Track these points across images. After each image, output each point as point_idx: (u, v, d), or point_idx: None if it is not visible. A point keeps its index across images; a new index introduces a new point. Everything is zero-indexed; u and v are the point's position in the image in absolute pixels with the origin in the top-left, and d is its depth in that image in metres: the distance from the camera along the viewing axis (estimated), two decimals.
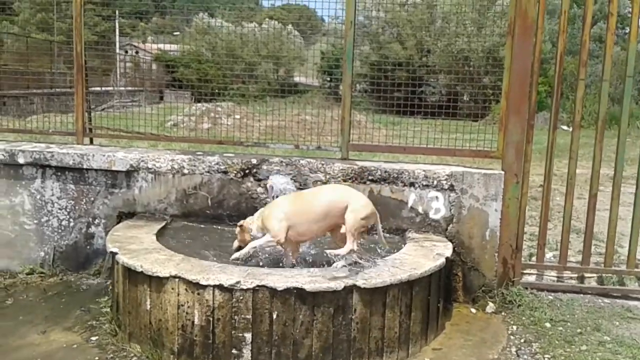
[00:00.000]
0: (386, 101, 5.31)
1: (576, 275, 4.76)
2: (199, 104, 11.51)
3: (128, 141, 6.90)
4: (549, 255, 5.10)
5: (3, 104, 12.30)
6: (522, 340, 3.86)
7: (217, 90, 6.56)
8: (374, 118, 6.06)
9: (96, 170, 4.67)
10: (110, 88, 11.81)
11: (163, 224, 4.48)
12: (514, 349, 3.74)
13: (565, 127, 13.98)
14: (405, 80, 5.73)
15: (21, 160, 4.71)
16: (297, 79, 9.51)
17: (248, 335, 3.30)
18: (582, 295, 4.59)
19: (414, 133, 4.85)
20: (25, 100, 13.77)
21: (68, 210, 4.75)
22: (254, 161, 4.62)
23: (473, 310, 4.32)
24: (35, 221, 4.80)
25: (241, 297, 3.27)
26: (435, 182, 4.42)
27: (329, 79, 9.19)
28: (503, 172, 4.39)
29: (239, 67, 7.66)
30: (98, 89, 9.58)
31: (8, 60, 16.17)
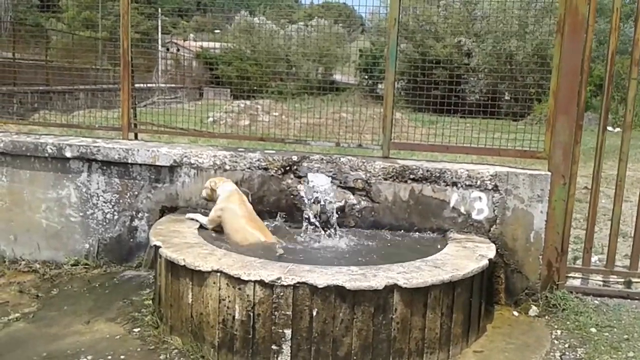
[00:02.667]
0: (426, 99, 5.25)
1: (623, 280, 4.62)
2: (238, 101, 11.61)
3: (170, 137, 6.98)
4: (594, 259, 4.96)
5: (50, 99, 12.63)
6: (567, 345, 3.76)
7: (256, 88, 6.61)
8: (414, 116, 6.00)
9: (140, 165, 4.75)
10: (152, 85, 12.02)
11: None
12: (557, 354, 3.65)
13: (610, 128, 13.62)
14: (445, 79, 5.67)
15: (68, 154, 4.82)
16: (335, 77, 9.51)
17: (288, 332, 3.30)
18: (629, 300, 4.45)
19: (456, 132, 4.78)
20: (71, 95, 14.12)
21: (113, 203, 4.85)
22: (295, 158, 4.63)
23: (515, 313, 4.24)
24: (81, 214, 4.91)
25: (281, 294, 3.27)
26: (478, 182, 4.35)
27: (366, 77, 9.15)
28: (550, 173, 4.28)
29: (279, 65, 7.70)
30: (141, 85, 9.76)
31: (55, 57, 16.62)
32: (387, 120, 4.66)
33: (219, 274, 3.39)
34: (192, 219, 4.40)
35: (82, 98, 14.45)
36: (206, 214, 4.50)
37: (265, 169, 4.64)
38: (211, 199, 4.41)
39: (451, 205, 4.42)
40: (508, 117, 5.43)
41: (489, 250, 4.01)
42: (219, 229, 4.31)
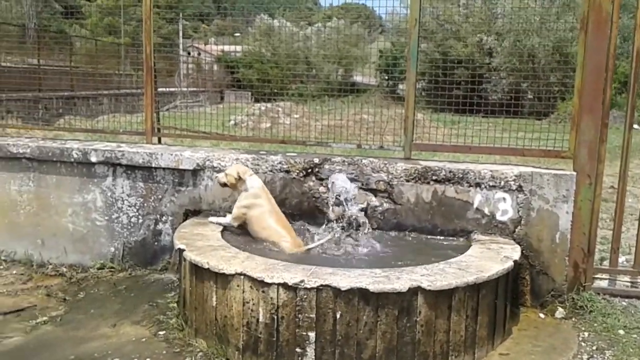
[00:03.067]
0: (447, 99, 5.22)
1: None
2: (259, 104, 11.67)
3: (192, 140, 7.06)
4: (621, 259, 4.87)
5: (74, 104, 12.83)
6: (594, 348, 3.70)
7: (276, 90, 6.63)
8: (435, 117, 5.97)
9: (164, 168, 4.80)
10: (174, 89, 12.13)
11: None
12: (585, 356, 3.60)
13: (636, 126, 13.39)
14: (466, 78, 5.63)
15: (94, 159, 4.89)
16: (355, 78, 9.50)
17: (312, 334, 3.31)
18: None
19: (478, 132, 4.74)
20: (95, 100, 14.32)
21: (137, 207, 4.90)
22: (316, 160, 4.63)
23: (542, 315, 4.18)
24: (106, 218, 4.97)
25: (305, 296, 3.28)
26: (502, 183, 4.31)
27: (387, 77, 9.12)
28: (575, 173, 4.22)
29: (300, 67, 7.72)
30: (163, 89, 9.86)
31: (79, 63, 16.87)
32: (408, 121, 4.64)
33: (242, 276, 3.41)
34: (214, 223, 4.41)
35: (105, 103, 14.64)
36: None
37: (287, 171, 4.66)
38: (232, 187, 4.38)
39: (475, 206, 4.38)
40: (531, 117, 5.37)
41: (514, 252, 3.96)
42: (242, 225, 4.32)
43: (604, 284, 4.50)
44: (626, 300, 4.36)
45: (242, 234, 4.44)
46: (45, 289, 4.57)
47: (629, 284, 4.53)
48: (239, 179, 4.33)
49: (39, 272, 4.93)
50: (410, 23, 4.58)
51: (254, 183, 4.33)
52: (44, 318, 4.06)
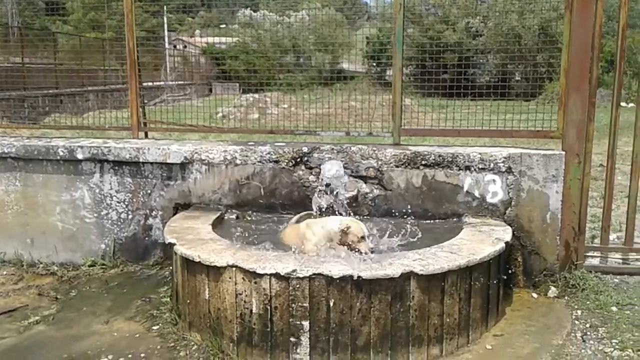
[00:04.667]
0: (435, 84, 5.20)
1: None
2: (247, 95, 11.60)
3: (180, 134, 7.00)
4: (612, 237, 4.90)
5: (60, 101, 12.72)
6: (588, 325, 3.72)
7: (264, 80, 6.59)
8: (423, 102, 5.95)
9: (152, 163, 4.76)
10: (161, 83, 12.05)
11: (218, 214, 4.52)
12: (579, 334, 3.62)
13: (623, 104, 13.38)
14: (454, 62, 5.61)
15: (80, 156, 4.84)
16: (344, 66, 9.45)
17: (306, 323, 3.30)
18: None
19: (466, 115, 4.73)
20: (81, 97, 14.21)
21: (126, 203, 4.87)
22: (305, 149, 4.61)
23: (534, 295, 4.20)
24: (95, 214, 4.94)
25: (298, 286, 3.27)
26: (492, 165, 4.30)
27: (374, 64, 9.08)
28: (564, 153, 4.22)
29: (285, 57, 7.67)
30: (149, 83, 9.78)
31: (63, 59, 16.71)
32: (396, 107, 4.62)
33: (234, 268, 3.39)
34: None
35: (92, 99, 14.53)
36: (219, 209, 4.54)
37: (276, 161, 4.63)
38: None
39: (465, 189, 4.38)
40: (519, 98, 5.36)
41: (505, 233, 3.97)
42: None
43: (595, 261, 4.52)
44: (618, 277, 4.39)
45: (233, 226, 4.42)
46: (37, 289, 4.53)
47: (620, 260, 4.56)
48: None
49: (29, 271, 4.90)
50: (395, 8, 4.55)
51: None
52: (37, 318, 4.03)
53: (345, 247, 3.67)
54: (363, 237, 3.65)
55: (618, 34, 4.25)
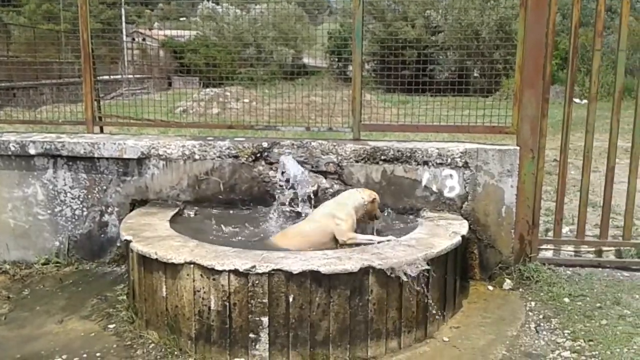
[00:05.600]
0: (395, 80, 5.24)
1: (594, 249, 4.70)
2: (208, 89, 11.46)
3: (138, 129, 6.85)
4: (565, 230, 5.03)
5: (13, 95, 12.32)
6: (541, 316, 3.82)
7: (225, 75, 6.52)
8: (384, 97, 5.99)
9: (107, 158, 4.66)
10: (119, 76, 11.78)
11: (176, 210, 4.46)
12: (532, 325, 3.71)
13: (577, 100, 13.79)
14: (414, 58, 5.65)
15: (32, 151, 4.70)
16: (305, 60, 9.43)
17: (265, 319, 3.29)
18: (600, 269, 4.53)
19: (425, 111, 4.78)
20: (35, 91, 13.79)
21: (81, 199, 4.76)
22: (265, 145, 4.59)
23: (490, 288, 4.29)
24: (49, 211, 4.81)
25: (257, 282, 3.25)
26: (449, 160, 4.37)
27: (336, 59, 9.09)
28: (518, 148, 4.32)
29: (247, 51, 7.59)
30: (106, 77, 9.56)
31: (17, 52, 16.18)
32: (356, 102, 4.64)
33: (192, 265, 3.35)
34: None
35: (47, 93, 14.12)
36: (177, 205, 4.49)
37: (236, 156, 4.59)
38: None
39: (423, 184, 4.44)
40: (477, 94, 5.45)
41: (462, 227, 4.04)
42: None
43: (549, 254, 4.64)
44: (570, 269, 4.51)
45: (192, 221, 4.37)
46: None
47: (572, 253, 4.69)
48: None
49: None
50: (354, 3, 4.56)
51: None
52: None
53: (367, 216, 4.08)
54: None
55: (571, 31, 4.35)
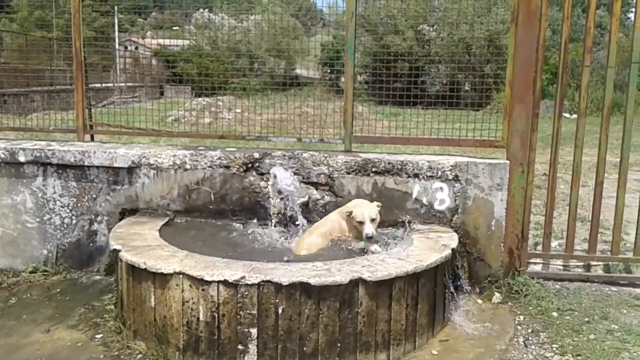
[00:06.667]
0: (387, 92, 5.27)
1: (582, 263, 4.72)
2: (200, 99, 11.47)
3: (129, 137, 6.83)
4: (554, 244, 5.05)
5: (4, 102, 12.26)
6: (530, 330, 3.83)
7: (217, 85, 6.52)
8: (376, 109, 6.01)
9: (97, 167, 4.64)
10: (110, 84, 11.75)
11: (166, 220, 4.45)
12: (521, 339, 3.71)
13: (567, 115, 13.89)
14: (406, 71, 5.69)
15: (22, 159, 4.68)
16: (297, 72, 9.46)
17: (254, 331, 3.28)
18: (588, 283, 4.54)
19: (416, 124, 4.81)
20: (26, 98, 13.73)
21: (70, 208, 4.73)
22: (257, 155, 4.59)
23: (479, 301, 4.29)
24: (38, 219, 4.77)
25: (246, 293, 3.24)
26: (439, 173, 4.38)
27: (329, 70, 9.13)
28: (508, 162, 4.34)
29: (240, 61, 7.61)
30: (98, 85, 9.54)
31: (8, 58, 16.11)
32: (347, 114, 4.65)
33: (181, 275, 3.34)
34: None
35: (38, 100, 14.07)
36: (167, 214, 4.48)
37: (227, 167, 4.59)
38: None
39: (413, 196, 4.45)
40: (469, 108, 5.48)
41: (452, 240, 4.05)
42: None
43: (537, 268, 4.66)
44: (559, 283, 4.53)
45: (184, 229, 4.36)
46: None
47: (561, 267, 4.71)
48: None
49: None
50: (347, 16, 4.59)
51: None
52: None
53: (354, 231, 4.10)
54: (362, 222, 4.00)
55: (561, 47, 4.40)
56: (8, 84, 13.65)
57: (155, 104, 7.28)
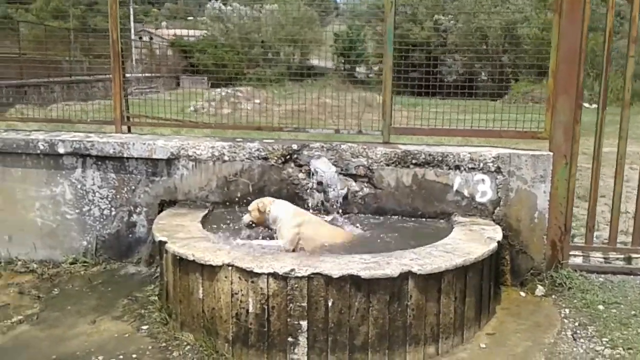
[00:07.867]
0: (427, 83, 5.20)
1: (623, 256, 4.67)
2: (219, 89, 11.45)
3: (151, 128, 6.78)
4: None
5: (25, 92, 12.28)
6: (577, 324, 3.80)
7: (232, 75, 6.48)
8: (407, 101, 5.94)
9: (136, 158, 4.64)
10: (129, 75, 11.75)
11: (206, 211, 4.44)
12: (569, 333, 3.69)
13: (586, 104, 13.69)
14: (429, 61, 5.61)
15: (61, 150, 4.68)
16: (312, 62, 9.40)
17: (304, 323, 3.27)
18: (632, 276, 4.49)
19: (446, 114, 4.73)
20: (46, 88, 13.76)
21: (109, 199, 4.74)
22: (295, 147, 4.57)
23: (522, 294, 4.26)
24: (77, 211, 4.78)
25: (296, 285, 3.23)
26: (481, 165, 4.35)
27: (343, 61, 9.08)
28: (551, 154, 4.30)
29: (256, 51, 7.57)
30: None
31: (26, 49, 16.16)
32: (386, 105, 4.62)
33: (230, 267, 3.33)
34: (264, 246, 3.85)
35: (57, 91, 14.10)
36: (206, 206, 4.46)
37: (265, 158, 4.57)
38: (260, 223, 4.06)
39: (454, 188, 4.41)
40: (486, 98, 5.41)
41: (496, 233, 4.02)
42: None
43: (579, 260, 4.61)
44: (602, 276, 4.48)
45: (223, 223, 4.35)
46: (17, 287, 4.37)
47: (602, 260, 4.66)
48: (262, 211, 4.04)
49: (7, 269, 4.70)
50: (386, 6, 4.54)
51: (282, 207, 4.06)
52: (19, 317, 3.89)
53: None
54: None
55: (605, 37, 4.33)
56: (27, 75, 13.68)
57: (172, 94, 7.25)
